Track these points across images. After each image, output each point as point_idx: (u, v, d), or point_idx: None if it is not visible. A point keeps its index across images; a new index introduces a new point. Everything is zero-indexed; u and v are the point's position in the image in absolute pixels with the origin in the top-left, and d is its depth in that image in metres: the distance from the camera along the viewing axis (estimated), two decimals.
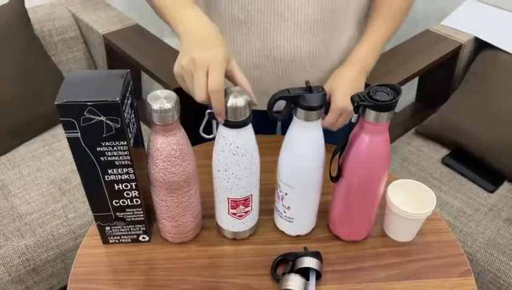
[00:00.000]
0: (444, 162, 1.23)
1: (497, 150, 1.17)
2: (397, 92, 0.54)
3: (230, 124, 0.57)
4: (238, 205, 0.64)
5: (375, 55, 0.77)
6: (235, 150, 0.58)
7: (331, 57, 0.83)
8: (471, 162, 1.21)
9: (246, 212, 0.66)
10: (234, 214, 0.65)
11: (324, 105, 0.56)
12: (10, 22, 1.26)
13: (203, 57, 0.56)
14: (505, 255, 1.02)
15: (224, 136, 0.58)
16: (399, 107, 1.65)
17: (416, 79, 1.46)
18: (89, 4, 1.51)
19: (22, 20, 1.30)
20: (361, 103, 0.55)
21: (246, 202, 0.64)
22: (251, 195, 0.64)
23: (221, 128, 0.58)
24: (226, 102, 0.55)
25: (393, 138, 1.36)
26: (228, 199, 0.64)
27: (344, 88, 0.72)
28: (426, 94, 1.54)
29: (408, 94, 1.60)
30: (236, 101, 0.55)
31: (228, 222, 0.68)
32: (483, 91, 1.26)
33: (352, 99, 0.56)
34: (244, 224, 0.68)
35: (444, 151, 1.26)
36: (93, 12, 1.46)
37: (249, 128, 0.58)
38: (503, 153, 1.16)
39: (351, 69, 0.75)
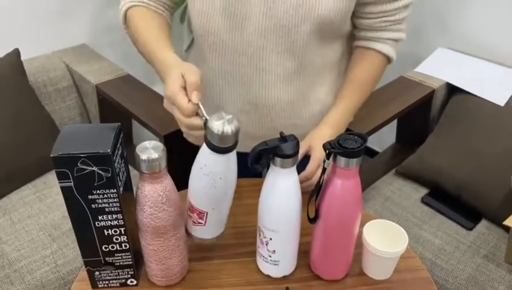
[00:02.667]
0: (424, 201, 1.28)
1: (472, 188, 1.23)
2: (364, 140, 0.60)
3: (208, 144, 0.59)
4: (193, 211, 0.67)
5: (348, 118, 0.89)
6: (199, 165, 0.62)
7: (311, 104, 0.91)
8: (449, 201, 1.26)
9: (199, 223, 0.68)
10: (190, 216, 0.69)
11: (298, 152, 0.61)
12: (6, 74, 1.32)
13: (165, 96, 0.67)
14: None
15: (201, 149, 0.61)
16: (381, 148, 1.72)
17: (395, 122, 1.54)
18: (83, 55, 1.58)
19: (18, 72, 1.36)
20: (332, 150, 0.60)
21: (200, 214, 0.67)
22: (206, 212, 0.66)
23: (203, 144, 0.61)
24: (208, 122, 0.58)
25: (375, 178, 1.41)
26: (188, 199, 0.67)
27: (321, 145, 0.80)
28: (405, 136, 1.62)
29: (389, 136, 1.67)
30: (213, 126, 0.57)
31: (188, 220, 0.70)
32: (457, 132, 1.34)
33: (324, 146, 0.61)
34: (196, 231, 0.70)
35: (424, 191, 1.31)
36: (86, 64, 1.53)
37: (221, 157, 0.60)
38: (478, 191, 1.22)
39: (327, 129, 0.85)
